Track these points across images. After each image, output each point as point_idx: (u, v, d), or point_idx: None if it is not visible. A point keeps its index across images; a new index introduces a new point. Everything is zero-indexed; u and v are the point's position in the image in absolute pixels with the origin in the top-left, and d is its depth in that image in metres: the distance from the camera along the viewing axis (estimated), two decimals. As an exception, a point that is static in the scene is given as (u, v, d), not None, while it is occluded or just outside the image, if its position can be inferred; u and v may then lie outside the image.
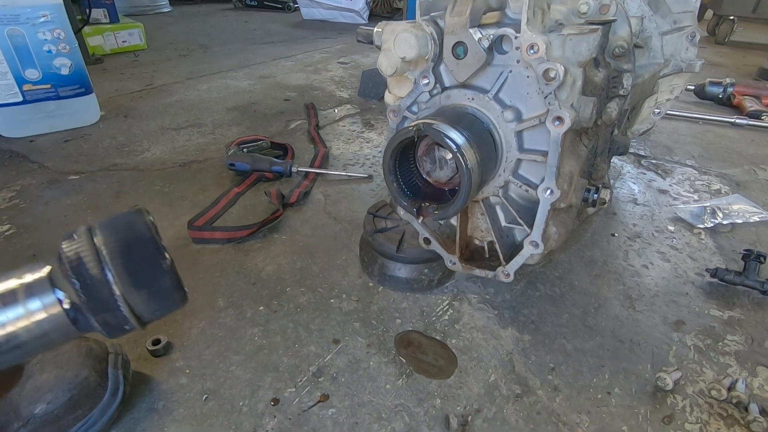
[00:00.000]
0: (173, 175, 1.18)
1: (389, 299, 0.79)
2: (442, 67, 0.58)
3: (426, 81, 0.58)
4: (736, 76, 2.04)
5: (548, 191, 0.55)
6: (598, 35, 0.49)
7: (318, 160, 1.24)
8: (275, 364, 0.66)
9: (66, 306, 0.37)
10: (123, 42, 2.62)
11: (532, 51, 0.49)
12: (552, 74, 0.49)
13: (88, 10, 2.30)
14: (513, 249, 0.67)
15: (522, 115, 0.55)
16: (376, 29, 0.57)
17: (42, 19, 1.23)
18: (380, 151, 1.35)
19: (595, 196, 0.59)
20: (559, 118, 0.50)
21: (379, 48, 0.58)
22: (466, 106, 0.56)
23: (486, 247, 0.70)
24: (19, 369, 0.48)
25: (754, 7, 3.31)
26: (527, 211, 0.61)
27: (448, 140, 0.49)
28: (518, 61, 0.53)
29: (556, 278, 0.86)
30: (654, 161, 1.35)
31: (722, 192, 1.19)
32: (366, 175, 1.19)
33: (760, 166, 1.33)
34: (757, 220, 1.04)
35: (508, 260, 0.64)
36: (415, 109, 0.61)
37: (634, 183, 1.23)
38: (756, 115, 1.68)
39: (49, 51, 1.28)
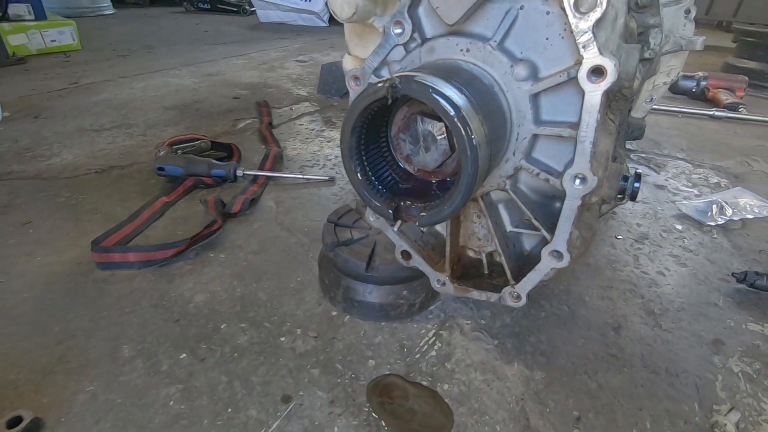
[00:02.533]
0: (86, 183, 0.95)
1: (358, 332, 0.60)
2: (421, 9, 0.41)
3: (400, 29, 0.41)
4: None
5: (578, 180, 0.38)
6: (652, -56, 0.33)
7: (269, 162, 1.05)
8: (197, 442, 0.46)
9: None
10: (52, 41, 2.33)
11: (557, -32, 0.33)
12: (587, 5, 0.33)
13: (3, 4, 2.03)
14: (521, 261, 0.50)
15: (539, 71, 0.38)
16: (325, -48, 0.39)
17: None
18: (344, 151, 1.17)
19: (636, 185, 0.44)
20: (599, 70, 0.34)
21: (330, -19, 0.40)
22: (459, 61, 0.39)
23: (484, 260, 0.53)
24: None
25: (707, 9, 3.39)
26: (542, 210, 0.45)
27: (441, 100, 0.31)
28: (533, -9, 0.36)
29: (562, 292, 0.71)
30: (644, 155, 1.24)
31: (722, 185, 1.08)
32: (327, 178, 1.01)
33: (752, 158, 1.24)
34: (768, 214, 0.94)
35: (517, 277, 0.47)
36: (385, 72, 0.44)
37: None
38: (733, 108, 1.63)
39: (-75, 34, 1.03)
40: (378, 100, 0.33)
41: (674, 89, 1.89)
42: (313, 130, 1.32)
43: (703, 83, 1.81)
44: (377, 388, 0.53)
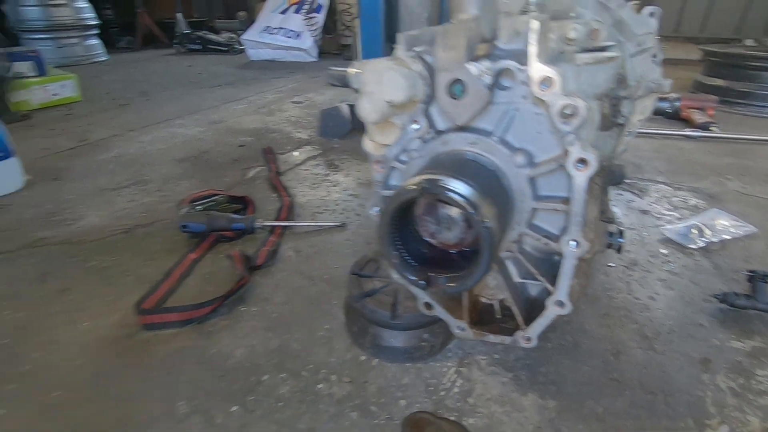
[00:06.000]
0: (114, 245, 1.02)
1: (387, 375, 0.67)
2: (433, 108, 0.49)
3: (417, 126, 0.49)
4: (673, 91, 2.13)
5: (574, 244, 0.46)
6: (617, 64, 0.42)
7: (284, 212, 1.12)
8: (259, 489, 0.52)
9: None
10: (54, 95, 2.41)
11: (544, 86, 0.41)
12: (570, 111, 0.41)
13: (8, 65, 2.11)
14: (528, 306, 0.58)
15: (534, 158, 0.47)
16: (352, 70, 0.48)
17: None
18: (349, 195, 1.25)
19: (620, 240, 0.52)
20: (583, 161, 0.42)
21: (356, 91, 0.48)
22: (467, 152, 0.48)
23: (496, 306, 0.60)
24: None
25: (676, 27, 3.60)
26: (545, 264, 0.53)
27: (458, 197, 0.40)
28: (525, 97, 0.45)
29: (565, 323, 0.78)
30: (628, 180, 1.33)
31: (699, 207, 1.18)
32: (338, 224, 1.08)
33: (725, 177, 1.35)
34: (743, 234, 1.03)
35: (527, 321, 0.55)
36: (404, 158, 0.52)
37: (615, 205, 1.20)
38: (705, 127, 1.75)
39: (-45, 113, 1.10)
40: (410, 198, 0.41)
41: (650, 110, 2.02)
42: (318, 174, 1.40)
43: (677, 104, 1.94)
44: (410, 423, 0.59)
